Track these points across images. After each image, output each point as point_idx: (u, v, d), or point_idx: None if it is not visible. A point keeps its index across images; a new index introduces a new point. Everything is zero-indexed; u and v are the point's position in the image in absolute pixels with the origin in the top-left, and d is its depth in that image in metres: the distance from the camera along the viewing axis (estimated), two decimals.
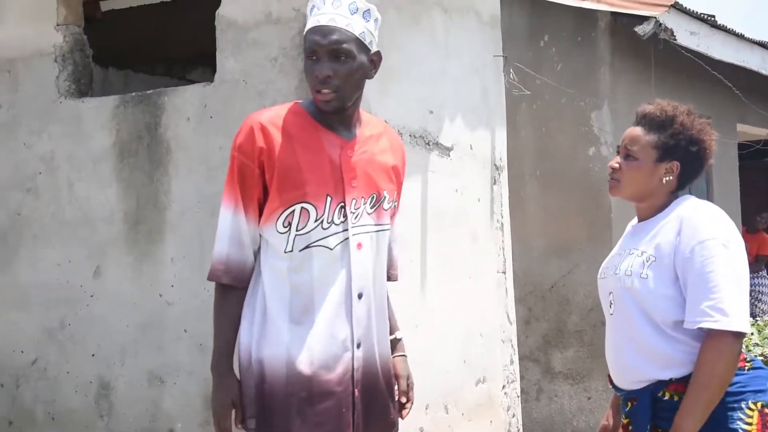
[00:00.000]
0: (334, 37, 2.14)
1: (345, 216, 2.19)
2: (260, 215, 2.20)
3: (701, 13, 6.17)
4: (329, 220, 2.18)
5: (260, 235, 2.22)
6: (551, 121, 5.74)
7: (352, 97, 2.20)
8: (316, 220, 2.17)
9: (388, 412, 2.30)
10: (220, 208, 2.24)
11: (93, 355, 3.84)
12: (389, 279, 2.42)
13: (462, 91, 3.85)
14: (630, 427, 2.25)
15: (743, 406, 2.14)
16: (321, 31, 2.15)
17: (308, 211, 2.16)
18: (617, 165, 2.31)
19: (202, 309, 3.37)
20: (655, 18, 5.37)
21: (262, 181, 2.18)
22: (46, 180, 3.97)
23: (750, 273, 2.25)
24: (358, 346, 2.21)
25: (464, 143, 3.84)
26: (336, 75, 2.14)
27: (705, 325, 2.11)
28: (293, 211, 2.16)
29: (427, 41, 3.69)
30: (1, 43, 4.10)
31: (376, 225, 2.25)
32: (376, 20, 2.22)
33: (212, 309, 2.27)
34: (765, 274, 9.11)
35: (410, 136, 3.56)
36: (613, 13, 5.54)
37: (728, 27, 6.54)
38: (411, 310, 3.42)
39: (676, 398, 2.18)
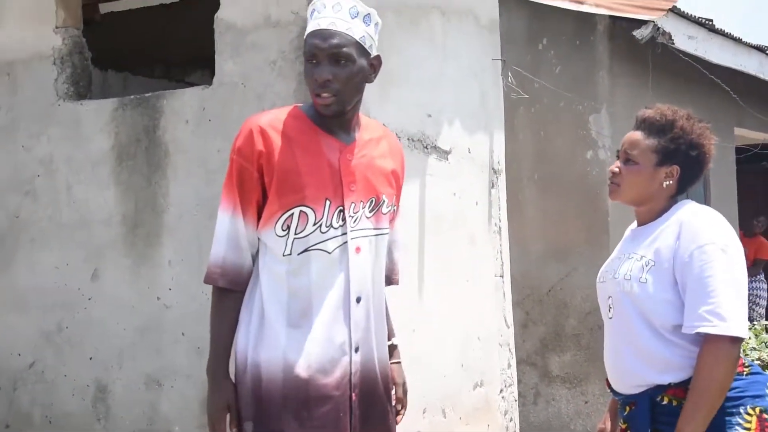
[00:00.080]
0: (335, 41, 2.14)
1: (344, 220, 2.19)
2: (259, 218, 2.20)
3: (699, 18, 6.18)
4: (328, 224, 2.18)
5: (258, 239, 2.22)
6: (549, 125, 5.74)
7: (352, 101, 2.21)
8: (314, 224, 2.17)
9: (386, 416, 2.30)
10: (218, 211, 2.24)
11: (90, 359, 3.84)
12: (390, 283, 2.42)
13: (460, 95, 3.86)
14: None
15: (741, 411, 2.14)
16: (321, 34, 2.15)
17: (307, 214, 2.16)
18: (617, 169, 2.31)
19: (200, 312, 3.37)
20: (654, 22, 5.38)
21: (260, 185, 2.18)
22: (45, 183, 3.97)
23: (747, 277, 2.25)
24: (357, 350, 2.20)
25: (462, 147, 3.85)
26: (336, 79, 2.14)
27: (703, 329, 2.11)
28: (292, 214, 2.16)
29: (425, 45, 3.70)
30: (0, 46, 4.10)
31: (374, 229, 2.25)
32: (376, 24, 2.22)
33: (209, 312, 2.26)
34: (762, 278, 9.12)
35: (408, 139, 3.56)
36: (611, 17, 5.55)
37: (726, 31, 6.55)
38: (409, 313, 3.42)
39: (674, 403, 2.18)
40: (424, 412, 3.54)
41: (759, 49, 7.12)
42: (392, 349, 2.40)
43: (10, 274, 4.04)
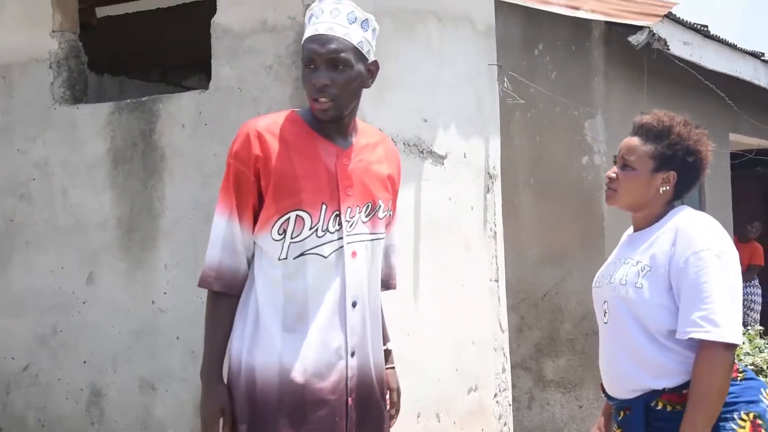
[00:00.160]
0: (332, 46, 2.14)
1: (340, 224, 2.20)
2: (255, 223, 2.20)
3: (694, 24, 6.21)
4: (324, 228, 2.18)
5: (254, 243, 2.22)
6: (545, 130, 5.76)
7: (349, 106, 2.21)
8: (310, 228, 2.17)
9: (382, 420, 2.30)
10: (214, 214, 2.24)
11: (85, 362, 3.83)
12: (388, 288, 2.43)
13: (456, 100, 3.87)
14: None
15: (735, 416, 2.15)
16: (319, 39, 2.16)
17: (303, 218, 2.17)
18: (614, 175, 2.32)
19: (195, 316, 3.37)
20: (649, 28, 5.40)
21: (257, 189, 2.18)
22: (40, 186, 3.97)
23: (742, 282, 2.26)
24: (353, 354, 2.20)
25: (458, 151, 3.85)
26: (333, 84, 2.15)
27: (696, 335, 2.12)
28: (288, 218, 2.16)
29: (422, 50, 3.71)
30: None
31: (371, 234, 2.25)
32: (374, 30, 2.23)
33: (204, 316, 2.27)
34: (757, 284, 9.14)
35: (404, 144, 3.57)
36: (607, 23, 5.57)
37: (721, 37, 6.58)
38: (404, 317, 3.42)
39: (669, 408, 2.18)
40: (418, 417, 3.54)
41: (754, 55, 7.15)
42: (386, 354, 2.41)
43: (5, 277, 4.03)
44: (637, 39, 5.40)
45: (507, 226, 4.33)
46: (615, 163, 2.35)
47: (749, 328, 5.64)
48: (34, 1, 4.04)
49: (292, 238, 2.17)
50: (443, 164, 3.77)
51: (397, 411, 2.43)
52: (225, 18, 3.62)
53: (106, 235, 3.81)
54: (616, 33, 5.61)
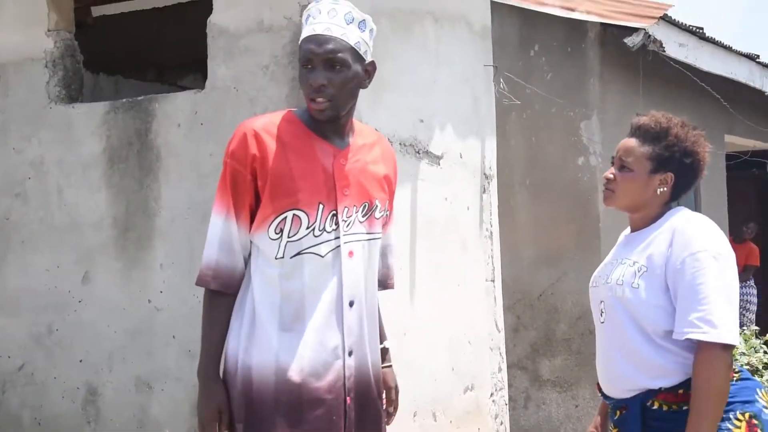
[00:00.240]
0: (330, 46, 2.15)
1: (337, 224, 2.20)
2: (252, 222, 2.20)
3: (690, 26, 6.22)
4: (321, 228, 2.18)
5: (251, 242, 2.22)
6: (541, 131, 5.76)
7: (346, 107, 2.21)
8: (307, 228, 2.17)
9: (379, 420, 2.31)
10: (210, 214, 2.24)
11: (81, 361, 3.83)
12: (385, 288, 2.43)
13: (452, 101, 3.87)
14: None
15: (731, 416, 2.16)
16: (316, 40, 2.16)
17: (300, 218, 2.17)
18: (612, 176, 2.33)
19: (191, 315, 3.37)
20: (645, 30, 5.40)
21: (254, 188, 2.18)
22: (36, 185, 3.96)
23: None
24: (350, 354, 2.21)
25: (454, 152, 3.86)
26: (331, 84, 2.15)
27: (693, 336, 2.12)
28: (285, 217, 2.17)
29: (418, 51, 3.71)
30: None
31: (367, 234, 2.26)
32: (371, 30, 2.23)
33: (201, 315, 2.27)
34: (752, 284, 9.16)
35: (400, 144, 3.57)
36: (602, 25, 5.58)
37: (716, 39, 6.59)
38: (400, 317, 3.42)
39: (665, 408, 2.19)
40: (414, 416, 3.55)
41: (749, 57, 7.17)
42: (384, 352, 2.41)
43: (1, 276, 4.03)
44: (632, 41, 5.41)
45: (503, 227, 4.33)
46: (612, 164, 2.36)
47: (745, 328, 5.64)
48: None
49: (288, 237, 2.17)
50: (439, 164, 3.77)
51: (396, 409, 2.44)
52: (221, 18, 3.62)
53: (102, 234, 3.81)
54: (612, 34, 5.62)
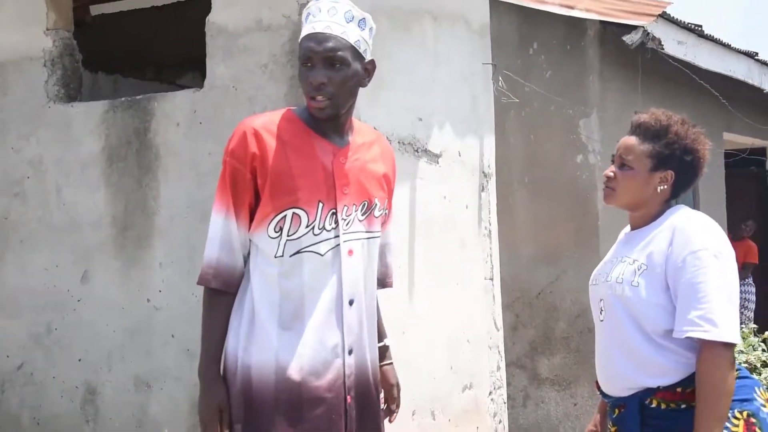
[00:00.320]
0: (330, 44, 2.15)
1: (336, 222, 2.20)
2: (251, 220, 2.21)
3: (688, 23, 6.22)
4: (320, 226, 2.18)
5: (250, 241, 2.22)
6: (540, 129, 5.76)
7: (346, 105, 2.21)
8: (307, 226, 2.17)
9: (378, 418, 2.31)
10: (210, 213, 2.24)
11: (80, 360, 3.83)
12: (384, 286, 2.43)
13: (451, 99, 3.87)
14: None
15: (729, 415, 2.16)
16: (316, 38, 2.16)
17: (300, 216, 2.17)
18: (612, 174, 2.33)
19: (190, 314, 3.37)
20: (644, 27, 5.40)
21: (253, 187, 2.18)
22: (34, 184, 3.96)
23: None
24: (350, 352, 2.21)
25: (453, 150, 3.86)
26: (330, 82, 2.15)
27: (693, 334, 2.13)
28: (285, 216, 2.17)
29: (417, 49, 3.71)
30: None
31: (367, 232, 2.26)
32: (371, 29, 2.23)
33: (200, 314, 2.27)
34: (751, 282, 9.17)
35: (399, 143, 3.57)
36: (602, 22, 5.58)
37: (715, 37, 6.60)
38: (399, 315, 3.42)
39: (663, 406, 2.19)
40: (413, 414, 3.55)
41: (747, 54, 7.17)
42: (384, 350, 2.41)
43: (0, 275, 4.03)
44: (631, 38, 5.41)
45: (502, 225, 4.33)
46: (612, 162, 2.35)
47: (743, 326, 5.65)
48: None
49: (288, 235, 2.17)
50: (438, 163, 3.78)
51: (398, 406, 2.45)
52: (220, 17, 3.62)
53: (101, 233, 3.81)
54: (611, 32, 5.62)
